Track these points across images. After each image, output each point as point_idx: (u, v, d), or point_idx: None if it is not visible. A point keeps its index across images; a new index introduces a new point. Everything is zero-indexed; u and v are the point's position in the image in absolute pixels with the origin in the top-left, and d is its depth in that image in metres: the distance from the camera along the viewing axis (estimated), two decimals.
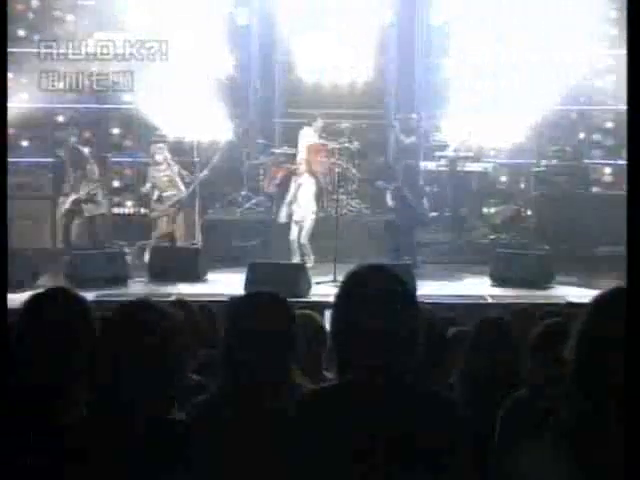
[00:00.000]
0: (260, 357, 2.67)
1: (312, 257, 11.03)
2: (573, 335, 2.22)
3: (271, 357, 2.69)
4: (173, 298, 5.71)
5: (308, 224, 11.12)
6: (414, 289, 2.52)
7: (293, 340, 2.77)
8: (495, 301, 8.88)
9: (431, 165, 12.83)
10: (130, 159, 13.18)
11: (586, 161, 12.93)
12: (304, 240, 11.10)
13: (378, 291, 2.37)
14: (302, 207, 11.15)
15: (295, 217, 11.20)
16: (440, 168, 12.66)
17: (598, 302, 2.25)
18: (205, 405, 2.68)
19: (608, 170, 13.07)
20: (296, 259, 10.94)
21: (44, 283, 9.26)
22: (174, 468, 2.35)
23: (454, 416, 2.36)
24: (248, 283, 9.25)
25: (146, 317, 2.42)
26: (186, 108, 11.74)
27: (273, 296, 2.86)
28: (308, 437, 2.36)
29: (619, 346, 2.11)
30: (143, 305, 2.48)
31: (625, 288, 2.25)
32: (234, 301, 2.83)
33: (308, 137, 12.26)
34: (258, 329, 2.71)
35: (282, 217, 11.42)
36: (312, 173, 11.41)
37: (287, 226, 11.40)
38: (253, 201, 12.60)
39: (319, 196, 11.60)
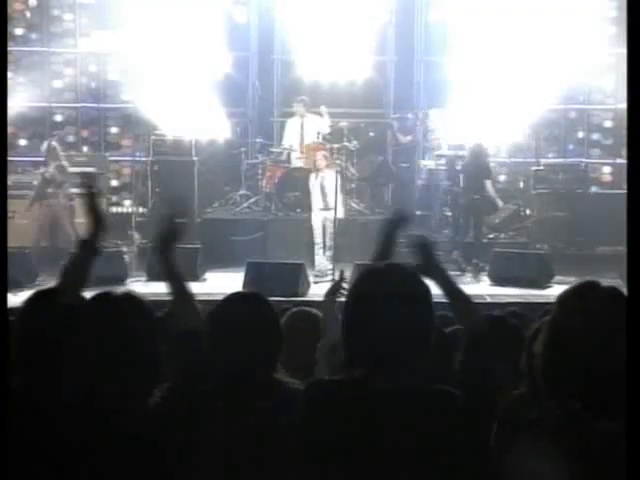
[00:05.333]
0: (243, 357, 2.67)
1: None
2: (542, 331, 2.24)
3: (254, 357, 2.69)
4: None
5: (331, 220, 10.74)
6: (428, 288, 2.51)
7: (277, 339, 2.76)
8: (494, 300, 8.85)
9: (430, 164, 12.83)
10: (128, 158, 13.17)
11: (585, 160, 12.92)
12: (330, 240, 10.70)
13: (392, 289, 2.37)
14: (330, 202, 10.75)
15: (325, 214, 10.78)
16: (439, 167, 12.65)
17: (563, 298, 2.26)
18: (193, 403, 2.67)
19: (607, 169, 13.08)
20: (320, 259, 10.62)
21: (42, 282, 9.24)
22: (163, 464, 2.34)
23: (455, 411, 2.36)
24: (247, 282, 9.24)
25: (123, 308, 2.42)
26: (184, 107, 11.73)
27: (256, 296, 2.86)
28: (310, 431, 2.35)
29: (585, 343, 2.12)
30: (106, 296, 2.48)
31: (592, 283, 2.27)
32: (218, 302, 2.83)
33: (294, 127, 12.26)
34: (241, 329, 2.71)
35: (316, 220, 10.90)
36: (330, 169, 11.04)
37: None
38: (252, 200, 12.58)
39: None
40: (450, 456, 2.32)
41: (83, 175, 2.74)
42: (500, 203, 11.72)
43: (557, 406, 2.15)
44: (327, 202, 10.76)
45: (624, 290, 2.30)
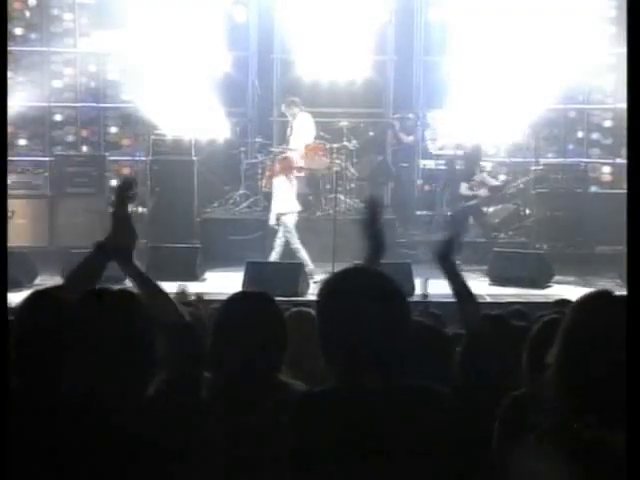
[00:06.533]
0: (247, 357, 2.67)
1: (308, 260, 10.43)
2: (557, 339, 2.22)
3: (259, 357, 2.68)
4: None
5: (291, 225, 10.62)
6: (400, 287, 2.49)
7: (282, 340, 2.75)
8: (494, 300, 8.85)
9: (430, 164, 12.84)
10: (128, 158, 13.18)
11: (585, 160, 12.92)
12: (295, 243, 10.57)
13: (361, 289, 2.36)
14: (280, 208, 10.72)
15: (274, 219, 10.73)
16: (439, 167, 12.66)
17: (580, 306, 2.25)
18: (194, 403, 2.67)
19: (607, 169, 13.07)
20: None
21: (42, 282, 9.25)
22: (163, 464, 2.34)
23: (443, 408, 2.36)
24: (247, 282, 9.24)
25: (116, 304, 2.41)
26: (184, 106, 11.73)
27: (262, 296, 2.84)
28: (301, 438, 2.34)
29: (601, 350, 2.12)
30: (101, 293, 2.47)
31: (606, 292, 2.26)
32: (223, 301, 2.82)
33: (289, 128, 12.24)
34: (246, 329, 2.70)
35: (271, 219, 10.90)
36: (287, 173, 10.90)
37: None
38: (251, 200, 12.58)
39: (298, 195, 11.08)
40: (436, 454, 2.31)
41: (125, 180, 2.61)
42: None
43: (572, 416, 2.13)
44: (279, 206, 10.70)
45: (624, 290, 2.29)
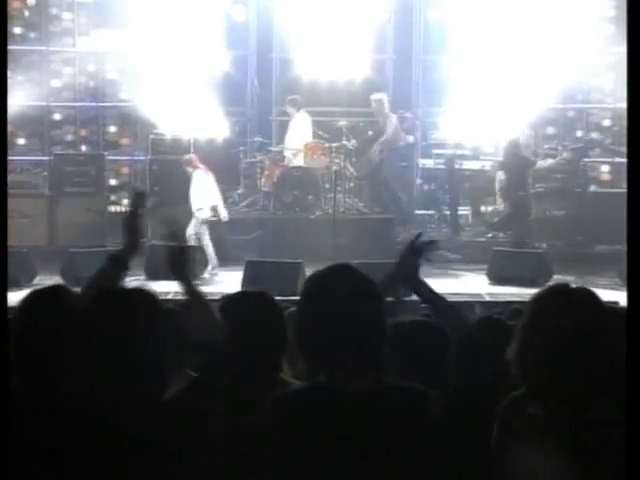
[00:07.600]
0: (248, 357, 2.66)
1: (212, 263, 10.59)
2: (515, 335, 2.24)
3: (259, 356, 2.68)
4: (171, 297, 5.68)
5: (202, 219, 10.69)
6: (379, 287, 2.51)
7: (282, 339, 2.75)
8: (493, 300, 8.86)
9: (429, 163, 12.84)
10: (127, 157, 13.18)
11: (584, 159, 12.92)
12: (205, 241, 10.64)
13: (339, 289, 2.36)
14: (197, 202, 10.74)
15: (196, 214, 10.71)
16: (438, 166, 12.66)
17: (536, 302, 2.27)
18: (195, 401, 2.66)
19: (606, 168, 13.07)
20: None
21: (41, 282, 9.24)
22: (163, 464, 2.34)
23: (426, 408, 2.35)
24: (246, 281, 9.24)
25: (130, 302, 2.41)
26: (183, 106, 11.73)
27: (262, 295, 2.84)
28: (283, 438, 2.34)
29: (560, 344, 2.14)
30: (116, 291, 2.47)
31: (562, 285, 2.28)
32: (223, 300, 2.82)
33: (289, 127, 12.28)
34: (246, 329, 2.70)
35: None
36: (204, 166, 10.93)
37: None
38: (250, 199, 12.58)
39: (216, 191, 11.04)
40: (420, 454, 2.30)
41: (137, 192, 2.65)
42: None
43: (542, 408, 2.15)
44: (199, 203, 10.73)
45: (623, 289, 2.32)
